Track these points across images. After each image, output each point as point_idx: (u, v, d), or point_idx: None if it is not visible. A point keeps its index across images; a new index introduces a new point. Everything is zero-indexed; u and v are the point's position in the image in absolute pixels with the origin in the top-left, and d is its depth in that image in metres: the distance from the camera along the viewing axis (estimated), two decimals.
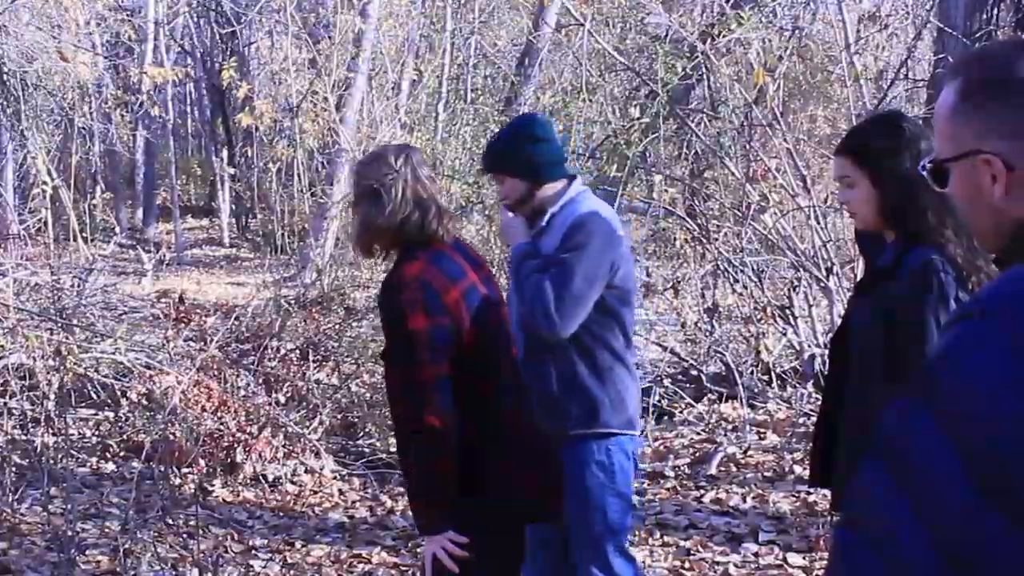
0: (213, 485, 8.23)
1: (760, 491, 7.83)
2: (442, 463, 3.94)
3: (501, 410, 4.11)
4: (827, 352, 4.37)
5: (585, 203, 4.65)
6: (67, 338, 9.56)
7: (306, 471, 8.60)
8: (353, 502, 8.16)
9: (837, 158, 3.85)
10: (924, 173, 2.11)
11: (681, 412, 9.63)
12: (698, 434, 9.18)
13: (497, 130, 5.19)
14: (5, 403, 9.00)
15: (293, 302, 11.75)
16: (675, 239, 11.80)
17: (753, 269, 10.45)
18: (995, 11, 9.19)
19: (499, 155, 4.71)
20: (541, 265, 4.52)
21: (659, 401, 9.56)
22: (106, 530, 7.25)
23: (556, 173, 4.70)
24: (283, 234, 19.10)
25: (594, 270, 4.48)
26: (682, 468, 8.43)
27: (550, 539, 4.87)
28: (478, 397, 4.02)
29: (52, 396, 8.81)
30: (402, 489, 7.40)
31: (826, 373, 4.10)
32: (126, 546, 6.63)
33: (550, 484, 4.25)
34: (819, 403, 4.15)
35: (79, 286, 11.59)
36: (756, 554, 6.79)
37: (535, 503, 4.20)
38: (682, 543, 7.01)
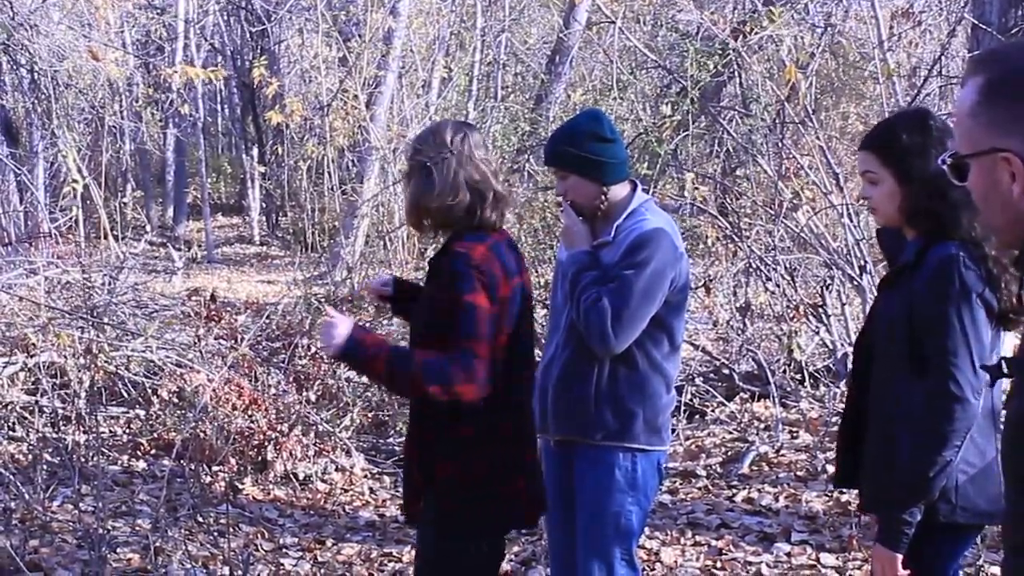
0: (244, 483, 8.23)
1: (792, 490, 7.78)
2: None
3: (502, 417, 4.09)
4: (852, 349, 4.33)
5: (651, 217, 4.57)
6: (98, 336, 9.57)
7: (337, 469, 8.60)
8: (384, 500, 8.14)
9: (862, 153, 3.82)
10: (944, 168, 2.10)
11: (713, 411, 9.58)
12: (730, 433, 9.13)
13: (561, 124, 5.07)
14: (36, 401, 9.03)
15: (323, 300, 11.75)
16: (707, 237, 11.75)
17: (785, 267, 10.38)
18: None
19: (565, 151, 4.59)
20: (599, 277, 4.47)
21: (691, 400, 9.52)
22: (137, 528, 7.26)
23: (622, 174, 4.64)
24: (313, 232, 19.17)
25: (654, 289, 4.41)
26: (714, 467, 8.39)
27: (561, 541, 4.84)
28: (489, 396, 3.99)
29: (83, 394, 8.83)
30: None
31: (852, 371, 4.07)
32: (157, 544, 6.63)
33: (531, 494, 4.26)
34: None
35: (110, 284, 11.60)
36: (789, 554, 6.75)
37: (512, 510, 4.20)
38: (714, 543, 6.98)
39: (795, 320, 10.14)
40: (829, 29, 16.47)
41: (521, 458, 4.18)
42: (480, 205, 4.03)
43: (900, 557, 3.61)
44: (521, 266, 4.17)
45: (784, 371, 9.94)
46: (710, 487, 8.05)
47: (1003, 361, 2.36)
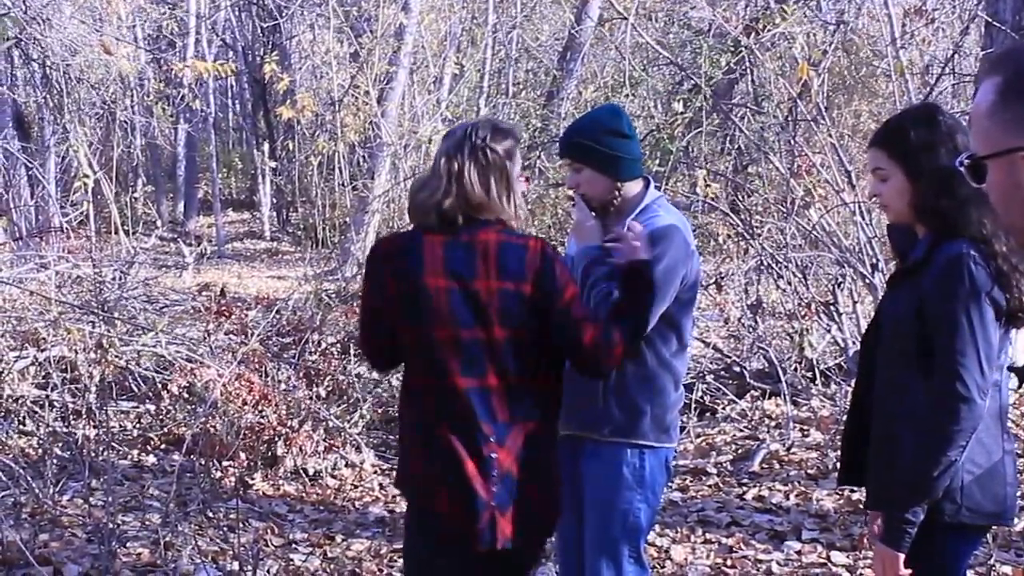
0: (253, 478, 8.23)
1: (803, 488, 7.76)
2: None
3: (423, 418, 3.95)
4: (859, 347, 4.31)
5: (663, 213, 4.53)
6: (108, 331, 9.57)
7: (346, 465, 8.59)
8: (394, 496, 8.12)
9: (871, 150, 3.79)
10: (961, 169, 2.07)
11: (724, 408, 9.56)
12: (741, 431, 9.12)
13: (579, 117, 5.01)
14: (47, 395, 9.03)
15: (334, 296, 11.76)
16: (718, 234, 11.73)
17: (797, 265, 10.36)
18: None
19: (582, 144, 4.53)
20: (609, 272, 4.43)
21: (702, 397, 9.50)
22: (147, 523, 7.25)
23: (636, 171, 4.61)
24: (324, 228, 19.17)
25: (666, 286, 4.36)
26: (724, 465, 8.38)
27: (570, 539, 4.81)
28: (408, 393, 4.08)
29: (93, 389, 8.82)
30: None
31: (858, 368, 4.04)
32: (166, 539, 6.62)
33: (464, 508, 3.89)
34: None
35: (120, 279, 11.63)
36: (799, 552, 6.72)
37: (443, 517, 3.92)
38: (724, 540, 6.95)
39: (806, 318, 10.12)
40: (842, 26, 16.47)
41: (441, 471, 3.89)
42: (414, 199, 4.07)
43: (902, 556, 3.59)
44: (461, 270, 3.89)
45: (795, 369, 9.92)
46: (720, 485, 8.03)
47: None
